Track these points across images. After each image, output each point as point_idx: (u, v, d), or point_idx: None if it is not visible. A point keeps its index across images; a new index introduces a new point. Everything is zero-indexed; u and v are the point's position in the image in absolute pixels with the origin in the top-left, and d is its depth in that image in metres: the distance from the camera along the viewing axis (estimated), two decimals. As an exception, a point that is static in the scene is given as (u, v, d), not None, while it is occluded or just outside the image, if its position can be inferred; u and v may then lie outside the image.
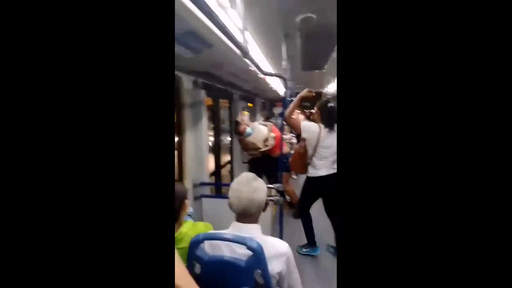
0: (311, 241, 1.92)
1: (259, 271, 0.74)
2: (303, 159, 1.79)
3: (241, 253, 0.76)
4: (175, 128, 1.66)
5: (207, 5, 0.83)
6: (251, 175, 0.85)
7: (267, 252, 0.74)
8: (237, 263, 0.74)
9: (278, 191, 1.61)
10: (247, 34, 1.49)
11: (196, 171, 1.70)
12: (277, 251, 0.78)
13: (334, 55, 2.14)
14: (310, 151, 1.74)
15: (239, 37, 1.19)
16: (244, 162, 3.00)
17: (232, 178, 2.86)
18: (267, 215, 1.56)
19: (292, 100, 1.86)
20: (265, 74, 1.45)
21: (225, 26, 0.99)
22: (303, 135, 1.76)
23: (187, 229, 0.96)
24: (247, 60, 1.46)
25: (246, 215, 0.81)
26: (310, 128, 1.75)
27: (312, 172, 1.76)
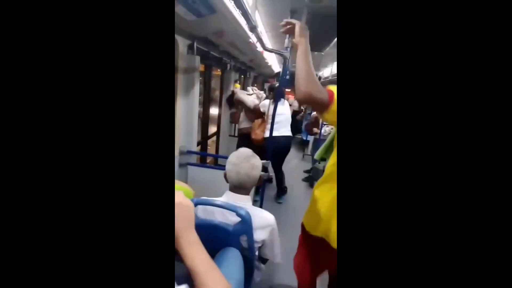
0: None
1: (245, 236, 0.81)
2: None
3: (231, 220, 0.83)
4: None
5: None
6: (250, 151, 0.89)
7: (255, 221, 0.81)
8: (226, 227, 0.80)
9: (263, 167, 1.68)
10: (253, 5, 1.42)
11: (185, 139, 1.70)
12: (264, 221, 0.85)
13: (335, 39, 2.13)
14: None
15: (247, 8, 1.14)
16: (231, 135, 3.01)
17: (217, 150, 2.89)
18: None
19: (288, 78, 2.01)
20: (268, 50, 1.42)
21: (235, -6, 0.95)
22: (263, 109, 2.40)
23: None
24: (250, 33, 1.41)
25: (241, 188, 0.86)
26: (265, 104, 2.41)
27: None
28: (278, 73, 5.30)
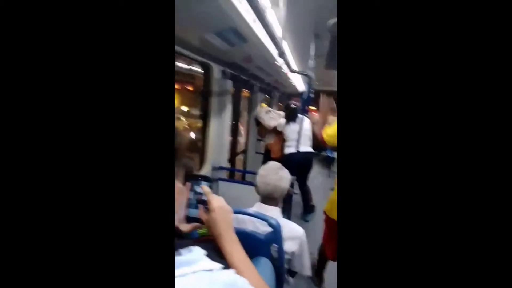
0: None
1: (275, 246, 0.85)
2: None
3: (262, 229, 0.88)
4: (202, 114, 1.77)
5: (254, 3, 0.91)
6: (278, 164, 0.96)
7: (284, 232, 0.85)
8: (257, 236, 0.85)
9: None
10: (280, 31, 1.56)
11: (217, 156, 1.82)
12: (293, 233, 0.89)
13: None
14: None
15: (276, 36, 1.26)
16: (257, 153, 3.11)
17: (245, 166, 2.98)
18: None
19: (311, 97, 2.19)
20: (293, 71, 1.52)
21: (268, 25, 1.07)
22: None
23: None
24: (277, 57, 1.53)
25: (270, 199, 0.92)
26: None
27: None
28: (302, 92, 5.41)
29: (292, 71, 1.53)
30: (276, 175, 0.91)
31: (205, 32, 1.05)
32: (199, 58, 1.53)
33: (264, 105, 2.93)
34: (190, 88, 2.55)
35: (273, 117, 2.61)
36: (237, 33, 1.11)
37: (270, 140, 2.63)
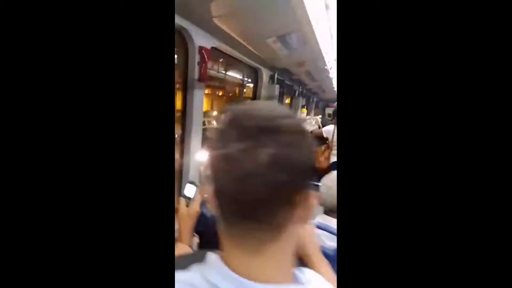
0: None
1: None
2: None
3: (328, 244, 0.82)
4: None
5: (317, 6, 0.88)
6: None
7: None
8: (326, 251, 0.80)
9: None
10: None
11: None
12: None
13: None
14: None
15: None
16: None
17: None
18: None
19: None
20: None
21: (327, 28, 1.03)
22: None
23: None
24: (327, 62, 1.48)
25: (334, 211, 0.86)
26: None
27: None
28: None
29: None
30: None
31: (268, 36, 1.04)
32: (251, 63, 1.54)
33: (305, 110, 2.86)
34: (220, 93, 2.54)
35: (313, 123, 2.53)
36: (299, 37, 1.09)
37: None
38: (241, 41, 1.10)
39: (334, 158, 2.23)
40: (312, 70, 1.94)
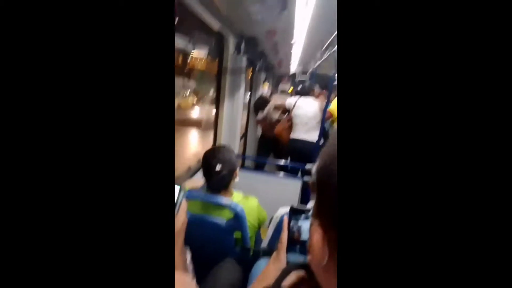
0: None
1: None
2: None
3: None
4: (219, 93, 1.58)
5: None
6: None
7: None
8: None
9: (307, 170, 1.65)
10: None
11: (228, 139, 1.67)
12: None
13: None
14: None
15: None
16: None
17: (244, 151, 2.85)
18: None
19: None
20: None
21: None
22: None
23: (238, 200, 0.96)
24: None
25: None
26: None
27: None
28: (294, 74, 5.28)
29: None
30: None
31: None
32: (218, 28, 1.32)
33: (267, 84, 2.76)
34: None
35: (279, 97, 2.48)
36: (283, 1, 0.94)
37: (274, 119, 2.49)
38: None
39: (293, 133, 2.25)
40: (280, 42, 1.81)
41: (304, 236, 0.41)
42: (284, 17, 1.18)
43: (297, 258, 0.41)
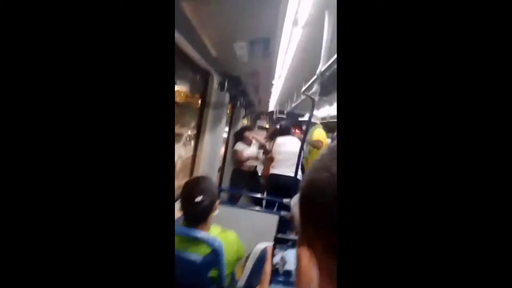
0: None
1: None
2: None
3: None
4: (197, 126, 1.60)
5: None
6: None
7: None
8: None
9: (286, 205, 1.65)
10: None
11: (208, 170, 1.64)
12: None
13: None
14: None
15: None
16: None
17: (221, 183, 2.79)
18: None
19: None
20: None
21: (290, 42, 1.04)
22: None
23: (216, 234, 0.93)
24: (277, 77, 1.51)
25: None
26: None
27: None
28: (272, 112, 5.57)
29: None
30: None
31: (238, 39, 0.96)
32: (203, 65, 1.40)
33: (245, 121, 2.86)
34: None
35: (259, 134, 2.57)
36: (266, 46, 1.05)
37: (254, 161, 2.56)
38: (204, 37, 0.97)
39: (273, 169, 2.31)
40: (261, 83, 1.95)
41: (289, 266, 0.41)
42: (267, 60, 1.31)
43: None
